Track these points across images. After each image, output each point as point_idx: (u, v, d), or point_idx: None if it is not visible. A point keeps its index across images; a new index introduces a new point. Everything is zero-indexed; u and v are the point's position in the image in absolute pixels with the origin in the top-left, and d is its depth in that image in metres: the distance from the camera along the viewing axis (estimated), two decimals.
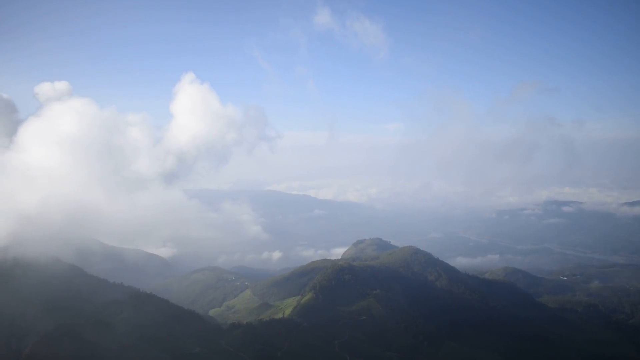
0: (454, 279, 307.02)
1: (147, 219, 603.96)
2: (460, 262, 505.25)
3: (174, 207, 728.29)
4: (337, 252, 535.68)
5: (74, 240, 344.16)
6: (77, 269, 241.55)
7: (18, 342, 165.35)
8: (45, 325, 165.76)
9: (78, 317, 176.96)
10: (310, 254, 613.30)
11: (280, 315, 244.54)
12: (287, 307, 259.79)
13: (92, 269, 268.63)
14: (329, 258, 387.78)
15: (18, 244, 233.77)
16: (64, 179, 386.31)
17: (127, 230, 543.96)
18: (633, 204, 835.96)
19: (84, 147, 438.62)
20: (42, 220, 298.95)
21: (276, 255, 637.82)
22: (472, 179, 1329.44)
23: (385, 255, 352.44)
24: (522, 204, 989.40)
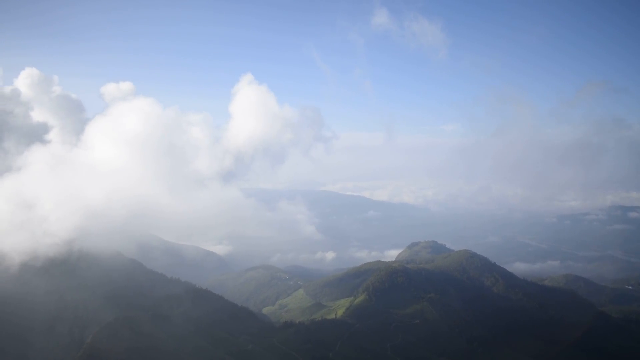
0: (511, 284, 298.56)
1: (205, 217, 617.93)
2: (518, 267, 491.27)
3: (231, 205, 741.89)
4: (391, 254, 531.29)
5: (135, 235, 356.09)
6: (137, 263, 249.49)
7: (80, 332, 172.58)
8: (106, 316, 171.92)
9: (137, 310, 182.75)
10: (363, 255, 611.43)
11: (332, 316, 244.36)
12: (339, 308, 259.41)
13: (151, 263, 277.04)
14: (382, 260, 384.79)
15: (83, 238, 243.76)
16: (127, 175, 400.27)
17: (186, 227, 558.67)
18: None
19: (147, 145, 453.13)
20: (107, 215, 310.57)
21: (330, 255, 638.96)
22: (533, 182, 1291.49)
23: (440, 259, 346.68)
24: (585, 208, 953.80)
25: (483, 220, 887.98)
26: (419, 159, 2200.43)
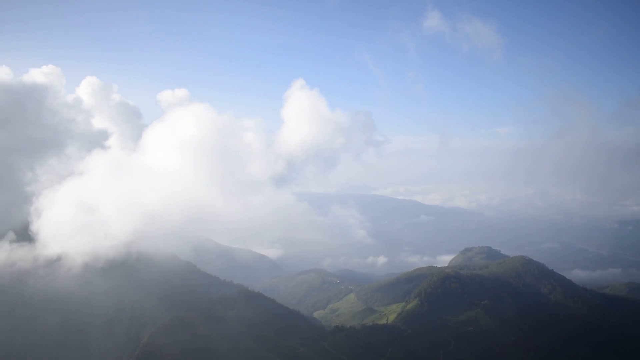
0: (569, 292, 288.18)
1: (257, 221, 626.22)
2: (577, 274, 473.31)
3: (283, 209, 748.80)
4: (444, 260, 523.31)
5: (190, 238, 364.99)
6: (192, 265, 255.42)
7: (137, 331, 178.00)
8: (161, 316, 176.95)
9: (192, 311, 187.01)
10: (415, 260, 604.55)
11: (384, 321, 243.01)
12: (391, 313, 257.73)
13: (205, 266, 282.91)
14: (435, 265, 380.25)
15: (141, 240, 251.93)
16: (183, 180, 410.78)
17: (239, 231, 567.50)
18: None
19: (202, 150, 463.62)
20: (163, 218, 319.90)
21: (381, 260, 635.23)
22: (593, 186, 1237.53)
23: (494, 265, 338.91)
24: None
25: (540, 225, 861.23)
26: (472, 162, 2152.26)
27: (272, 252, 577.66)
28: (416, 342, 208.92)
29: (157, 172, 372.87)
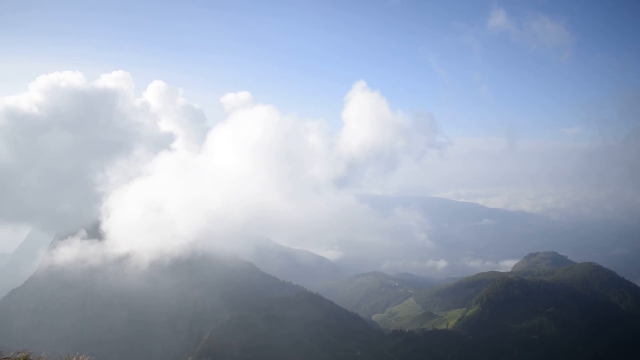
0: None
1: (318, 222, 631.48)
2: None
3: (344, 211, 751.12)
4: (507, 265, 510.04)
5: (253, 239, 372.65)
6: (252, 265, 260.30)
7: (199, 328, 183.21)
8: (222, 314, 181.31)
9: (252, 310, 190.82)
10: (477, 265, 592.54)
11: (443, 326, 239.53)
12: (451, 319, 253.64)
13: (266, 266, 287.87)
14: (497, 270, 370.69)
15: (206, 240, 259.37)
16: (247, 181, 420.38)
17: (299, 232, 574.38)
18: None
19: (266, 152, 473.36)
20: (227, 218, 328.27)
21: (441, 264, 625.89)
22: None
23: (560, 271, 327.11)
24: None
25: (610, 230, 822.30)
26: (537, 164, 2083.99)
27: (331, 254, 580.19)
28: (477, 349, 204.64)
29: (221, 173, 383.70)
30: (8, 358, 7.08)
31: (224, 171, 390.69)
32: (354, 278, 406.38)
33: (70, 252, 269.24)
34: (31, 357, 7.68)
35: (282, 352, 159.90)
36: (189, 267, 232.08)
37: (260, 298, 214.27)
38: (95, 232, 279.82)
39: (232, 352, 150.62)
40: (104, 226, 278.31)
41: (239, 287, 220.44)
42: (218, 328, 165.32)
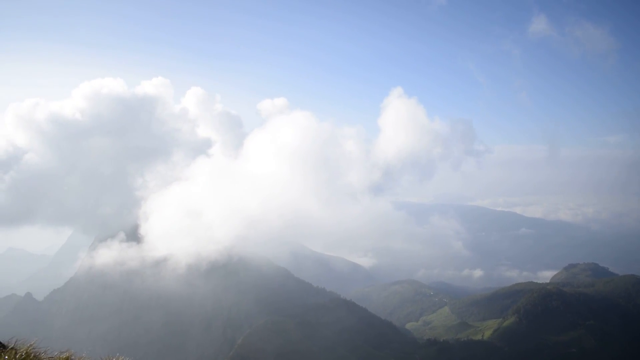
0: None
1: (353, 229, 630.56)
2: None
3: (379, 218, 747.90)
4: (545, 276, 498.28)
5: (289, 244, 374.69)
6: (286, 271, 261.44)
7: (233, 332, 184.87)
8: (256, 319, 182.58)
9: (285, 316, 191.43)
10: (514, 275, 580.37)
11: (479, 337, 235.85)
12: (486, 329, 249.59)
13: (301, 272, 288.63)
14: (535, 281, 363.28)
15: (242, 245, 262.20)
16: (283, 187, 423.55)
17: (334, 238, 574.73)
18: None
19: (303, 158, 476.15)
20: (263, 223, 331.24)
21: (477, 273, 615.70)
22: None
23: (601, 283, 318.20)
24: None
25: None
26: (578, 173, 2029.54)
27: (365, 261, 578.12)
28: None
29: (258, 179, 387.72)
30: (52, 357, 7.43)
31: (260, 177, 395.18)
32: (389, 285, 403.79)
33: (110, 255, 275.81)
34: (73, 358, 8.01)
35: (315, 359, 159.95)
36: (224, 271, 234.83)
37: (294, 304, 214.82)
38: (134, 235, 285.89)
39: (265, 357, 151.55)
40: (143, 230, 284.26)
41: (273, 293, 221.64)
42: (252, 333, 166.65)
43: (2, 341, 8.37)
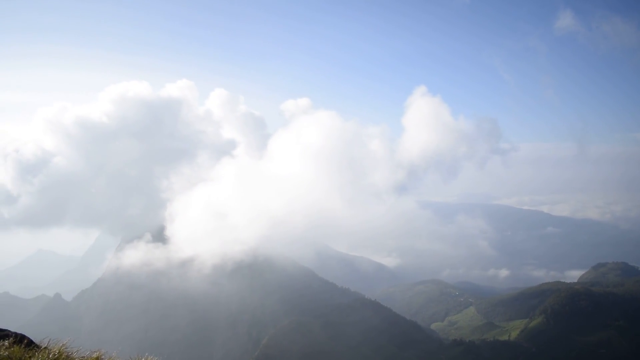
0: None
1: (377, 229, 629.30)
2: None
3: (404, 217, 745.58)
4: (573, 275, 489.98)
5: (313, 244, 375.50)
6: (311, 271, 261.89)
7: (258, 332, 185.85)
8: (281, 319, 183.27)
9: (309, 316, 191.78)
10: (541, 275, 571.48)
11: (505, 337, 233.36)
12: (513, 330, 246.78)
13: (326, 272, 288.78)
14: (562, 281, 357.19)
15: (267, 245, 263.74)
16: (308, 187, 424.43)
17: (358, 238, 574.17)
18: None
19: (328, 157, 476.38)
20: (288, 224, 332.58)
21: (503, 273, 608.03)
22: None
23: (631, 283, 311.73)
24: None
25: None
26: (606, 170, 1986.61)
27: (389, 261, 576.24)
28: None
29: (282, 179, 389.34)
30: (84, 357, 7.68)
31: (285, 177, 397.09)
32: (413, 285, 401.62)
33: (136, 255, 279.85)
34: (103, 357, 8.25)
35: (340, 359, 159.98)
36: (249, 271, 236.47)
37: (319, 304, 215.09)
38: (160, 236, 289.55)
39: (290, 357, 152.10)
40: (169, 231, 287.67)
41: (297, 293, 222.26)
42: (277, 332, 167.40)
43: (34, 340, 8.64)
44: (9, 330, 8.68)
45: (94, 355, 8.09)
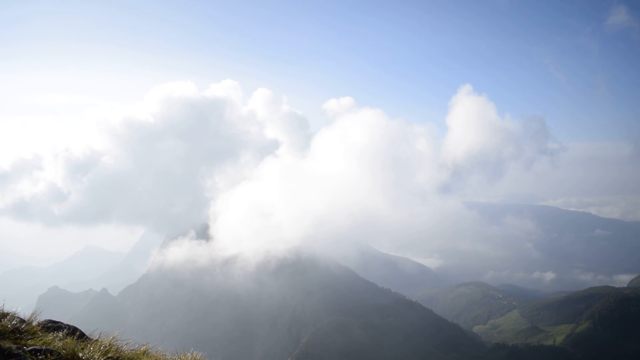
0: None
1: (421, 229, 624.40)
2: None
3: (446, 218, 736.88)
4: (622, 279, 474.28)
5: (356, 244, 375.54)
6: (352, 271, 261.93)
7: (298, 331, 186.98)
8: (321, 318, 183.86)
9: (349, 316, 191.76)
10: (588, 279, 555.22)
11: (550, 342, 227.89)
12: (558, 335, 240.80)
13: (368, 272, 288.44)
14: (611, 285, 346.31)
15: (310, 244, 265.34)
16: (351, 186, 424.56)
17: (401, 239, 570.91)
18: None
19: (371, 156, 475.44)
20: (331, 223, 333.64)
21: (549, 276, 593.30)
22: None
23: None
24: None
25: None
26: None
27: (431, 262, 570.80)
28: None
29: (326, 179, 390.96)
30: (132, 350, 8.08)
31: (328, 176, 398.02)
32: (455, 287, 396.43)
33: (180, 252, 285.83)
34: (149, 351, 8.62)
35: (379, 359, 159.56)
36: (292, 270, 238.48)
37: (359, 304, 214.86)
38: (203, 234, 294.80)
39: (330, 357, 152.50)
40: (212, 229, 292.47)
41: (338, 292, 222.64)
42: (317, 331, 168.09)
43: (85, 333, 9.09)
44: (62, 322, 9.13)
45: (142, 349, 8.44)
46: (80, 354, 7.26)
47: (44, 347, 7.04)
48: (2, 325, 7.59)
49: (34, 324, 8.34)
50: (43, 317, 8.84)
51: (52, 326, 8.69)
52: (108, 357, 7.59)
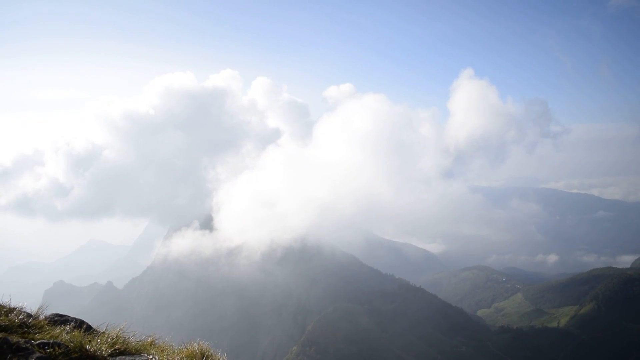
0: None
1: (423, 215, 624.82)
2: None
3: (448, 204, 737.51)
4: (625, 260, 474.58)
5: (360, 231, 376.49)
6: (355, 258, 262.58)
7: (303, 318, 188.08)
8: (325, 306, 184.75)
9: (354, 303, 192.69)
10: (591, 260, 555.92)
11: (554, 324, 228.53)
12: (562, 316, 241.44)
13: (372, 258, 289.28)
14: (614, 266, 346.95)
15: (315, 232, 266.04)
16: (355, 173, 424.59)
17: (404, 224, 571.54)
18: None
19: (374, 142, 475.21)
20: (336, 211, 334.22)
21: (552, 258, 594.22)
22: None
23: None
24: None
25: None
26: None
27: (434, 247, 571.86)
28: (592, 350, 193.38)
29: (329, 166, 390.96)
30: (139, 341, 8.17)
31: (331, 163, 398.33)
32: (459, 272, 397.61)
33: (184, 244, 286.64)
34: (156, 342, 8.71)
35: (385, 345, 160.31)
36: (296, 258, 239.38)
37: (363, 291, 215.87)
38: (207, 224, 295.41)
39: (335, 343, 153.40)
40: (216, 219, 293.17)
41: (343, 280, 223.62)
42: (322, 319, 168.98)
43: (92, 325, 9.18)
44: (69, 316, 9.22)
45: (149, 340, 8.54)
46: (87, 346, 7.35)
47: (51, 341, 7.12)
48: (10, 320, 7.67)
49: (41, 318, 8.41)
50: (49, 312, 8.92)
51: (59, 320, 8.77)
52: (115, 349, 7.68)
